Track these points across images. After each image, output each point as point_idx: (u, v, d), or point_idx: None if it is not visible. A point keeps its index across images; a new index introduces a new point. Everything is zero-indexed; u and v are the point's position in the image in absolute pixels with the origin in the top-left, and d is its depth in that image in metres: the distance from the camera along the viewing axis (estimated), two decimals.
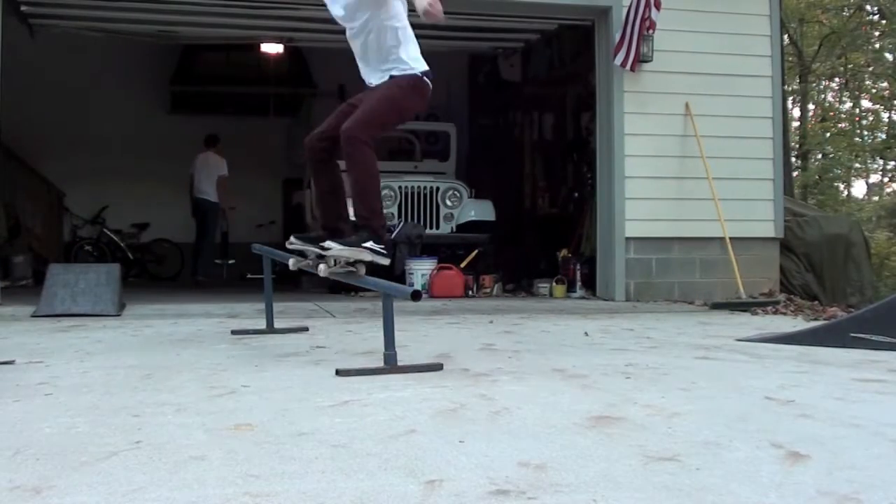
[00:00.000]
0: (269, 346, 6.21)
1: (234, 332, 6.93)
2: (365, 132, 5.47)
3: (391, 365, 4.95)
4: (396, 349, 5.03)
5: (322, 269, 5.59)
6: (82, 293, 8.60)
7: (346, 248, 5.47)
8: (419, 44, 5.77)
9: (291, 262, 5.92)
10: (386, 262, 5.56)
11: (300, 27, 13.45)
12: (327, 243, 5.50)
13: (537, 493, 2.63)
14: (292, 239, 5.82)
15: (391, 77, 5.64)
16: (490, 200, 13.03)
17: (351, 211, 5.76)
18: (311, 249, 5.70)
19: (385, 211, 11.98)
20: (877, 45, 28.81)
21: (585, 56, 12.30)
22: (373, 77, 5.76)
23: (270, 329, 6.98)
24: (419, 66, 5.68)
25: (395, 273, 11.51)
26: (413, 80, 5.66)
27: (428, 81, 5.71)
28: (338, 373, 4.81)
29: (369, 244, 5.47)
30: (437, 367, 5.04)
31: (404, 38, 5.65)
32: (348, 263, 5.59)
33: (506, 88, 15.98)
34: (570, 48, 13.84)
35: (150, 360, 5.45)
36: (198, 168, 15.45)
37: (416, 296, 4.90)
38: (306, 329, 7.19)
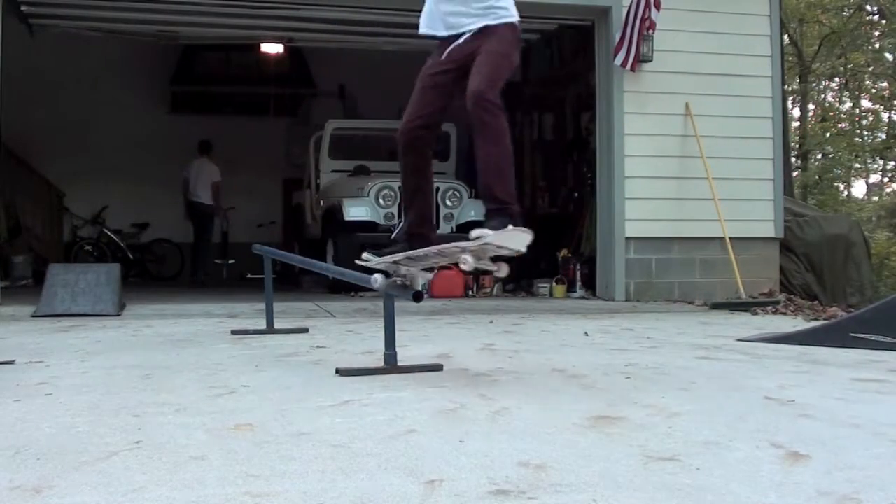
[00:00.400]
0: (269, 346, 6.20)
1: (233, 332, 6.93)
2: (497, 95, 4.69)
3: (391, 365, 4.95)
4: (397, 349, 5.02)
5: (468, 262, 4.50)
6: (82, 293, 8.60)
7: (498, 232, 4.46)
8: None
9: (378, 281, 5.05)
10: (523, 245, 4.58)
11: (300, 27, 13.46)
12: (476, 231, 4.50)
13: (537, 493, 2.63)
14: (369, 256, 5.04)
15: (496, 25, 4.83)
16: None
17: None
18: (441, 248, 4.70)
19: (385, 211, 12.13)
20: (877, 45, 28.83)
21: (585, 56, 12.30)
22: (464, 18, 4.88)
23: (270, 329, 6.98)
24: (515, 11, 4.94)
25: None
26: (517, 32, 4.97)
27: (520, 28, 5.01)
28: (338, 372, 4.81)
29: (512, 227, 4.52)
30: (437, 368, 5.04)
31: None
32: (491, 259, 4.64)
33: (505, 88, 15.93)
34: (570, 48, 13.84)
35: (151, 360, 5.45)
36: (193, 174, 15.68)
37: (417, 297, 4.88)
38: (306, 330, 7.19)
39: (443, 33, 4.97)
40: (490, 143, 4.69)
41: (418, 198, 5.11)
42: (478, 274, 12.17)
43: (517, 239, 4.50)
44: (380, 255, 4.98)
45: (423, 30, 5.09)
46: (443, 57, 4.93)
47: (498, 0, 4.86)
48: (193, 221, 15.89)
